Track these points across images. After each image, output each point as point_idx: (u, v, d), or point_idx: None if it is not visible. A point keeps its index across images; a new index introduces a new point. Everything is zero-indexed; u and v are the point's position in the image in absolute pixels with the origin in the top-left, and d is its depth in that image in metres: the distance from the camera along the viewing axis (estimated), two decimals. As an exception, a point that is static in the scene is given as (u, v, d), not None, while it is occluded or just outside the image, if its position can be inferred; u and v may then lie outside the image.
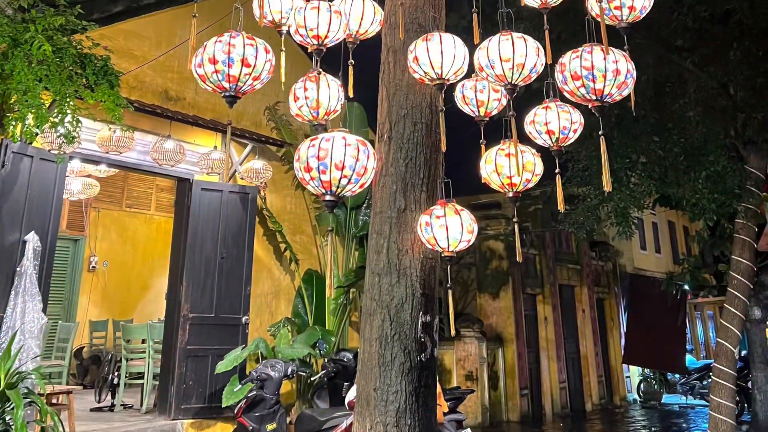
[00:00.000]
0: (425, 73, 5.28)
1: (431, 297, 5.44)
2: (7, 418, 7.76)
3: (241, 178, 13.88)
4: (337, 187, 4.58)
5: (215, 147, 13.61)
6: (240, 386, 10.75)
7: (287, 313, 14.97)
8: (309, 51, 5.17)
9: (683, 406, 25.20)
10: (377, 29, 6.22)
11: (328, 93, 5.45)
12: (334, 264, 15.22)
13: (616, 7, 5.13)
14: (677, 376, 25.66)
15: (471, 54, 5.31)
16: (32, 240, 9.85)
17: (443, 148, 5.58)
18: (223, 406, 11.51)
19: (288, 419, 11.31)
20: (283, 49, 5.37)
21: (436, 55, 5.20)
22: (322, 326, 14.39)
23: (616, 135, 12.53)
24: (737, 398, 14.42)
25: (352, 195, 4.89)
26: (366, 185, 4.84)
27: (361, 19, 6.07)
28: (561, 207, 5.35)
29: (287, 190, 15.62)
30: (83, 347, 16.53)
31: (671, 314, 24.36)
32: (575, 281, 24.06)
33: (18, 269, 9.63)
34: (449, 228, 5.10)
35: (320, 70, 5.21)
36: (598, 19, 5.01)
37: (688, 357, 26.14)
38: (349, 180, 4.58)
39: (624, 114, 12.21)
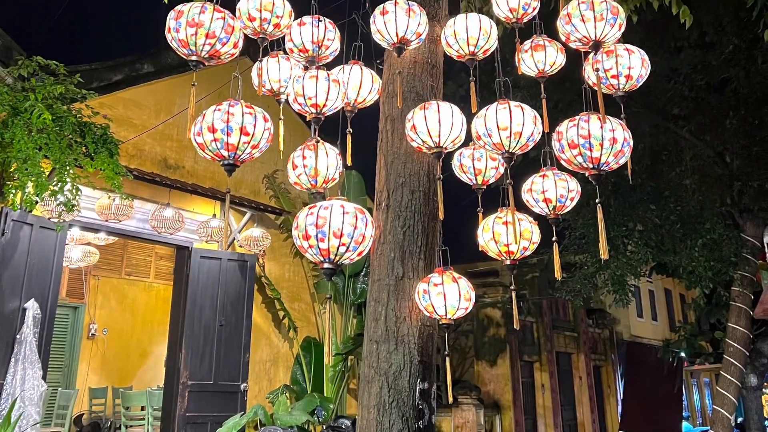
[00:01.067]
0: (423, 141, 5.29)
1: (429, 364, 5.42)
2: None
3: (240, 246, 13.90)
4: (336, 254, 4.55)
5: (214, 215, 13.63)
6: (238, 454, 10.69)
7: (286, 380, 14.91)
8: (307, 119, 5.16)
9: (680, 472, 25.04)
10: (375, 98, 6.25)
11: (326, 161, 5.44)
12: (332, 331, 15.17)
13: (612, 76, 5.18)
14: (673, 442, 25.53)
15: (468, 122, 5.32)
16: (32, 307, 9.85)
17: (441, 216, 5.58)
18: (222, 473, 11.41)
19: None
20: (282, 117, 5.44)
21: (434, 123, 5.21)
22: (321, 393, 14.31)
23: (612, 203, 12.60)
24: (733, 465, 14.32)
25: (350, 263, 4.84)
26: (364, 253, 4.80)
27: (360, 87, 6.11)
28: (558, 275, 5.35)
29: (286, 257, 15.64)
30: (83, 414, 16.43)
31: (668, 381, 24.29)
32: (572, 348, 24.00)
33: (18, 336, 9.64)
34: (447, 296, 5.07)
35: (318, 138, 5.19)
36: (595, 88, 5.07)
37: (685, 424, 26.04)
38: (348, 248, 4.56)
39: (621, 182, 12.29)
